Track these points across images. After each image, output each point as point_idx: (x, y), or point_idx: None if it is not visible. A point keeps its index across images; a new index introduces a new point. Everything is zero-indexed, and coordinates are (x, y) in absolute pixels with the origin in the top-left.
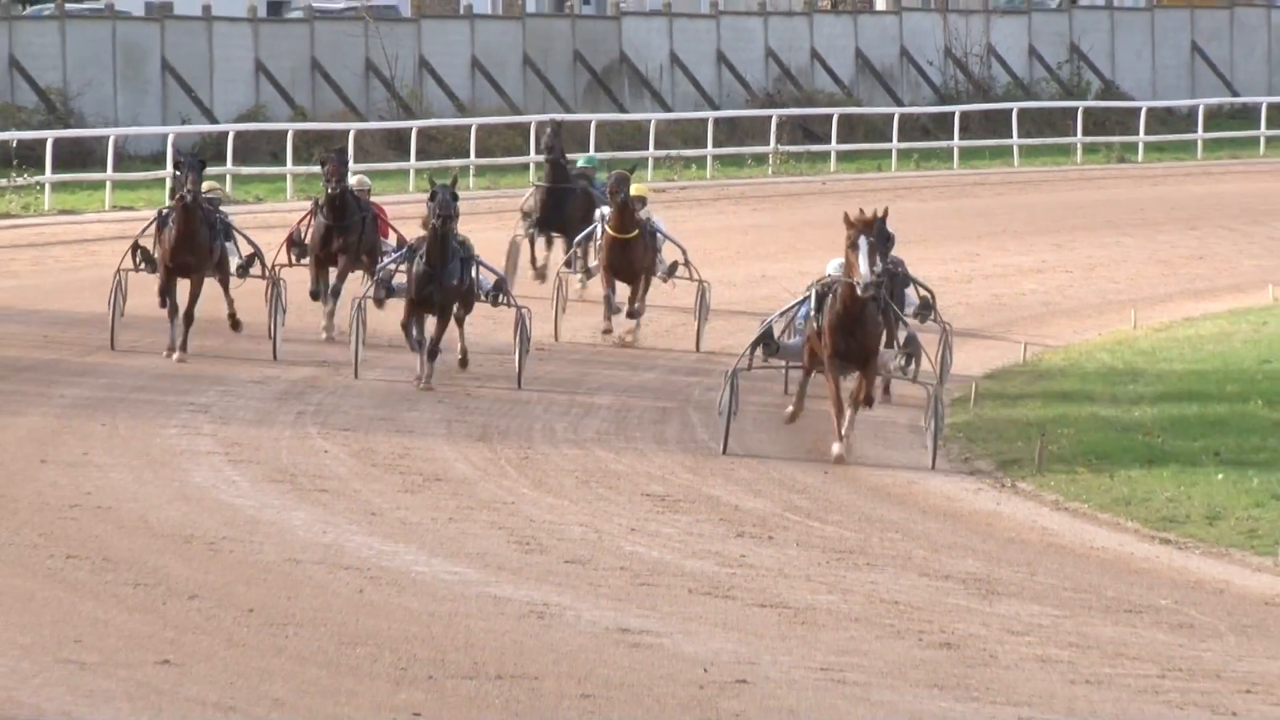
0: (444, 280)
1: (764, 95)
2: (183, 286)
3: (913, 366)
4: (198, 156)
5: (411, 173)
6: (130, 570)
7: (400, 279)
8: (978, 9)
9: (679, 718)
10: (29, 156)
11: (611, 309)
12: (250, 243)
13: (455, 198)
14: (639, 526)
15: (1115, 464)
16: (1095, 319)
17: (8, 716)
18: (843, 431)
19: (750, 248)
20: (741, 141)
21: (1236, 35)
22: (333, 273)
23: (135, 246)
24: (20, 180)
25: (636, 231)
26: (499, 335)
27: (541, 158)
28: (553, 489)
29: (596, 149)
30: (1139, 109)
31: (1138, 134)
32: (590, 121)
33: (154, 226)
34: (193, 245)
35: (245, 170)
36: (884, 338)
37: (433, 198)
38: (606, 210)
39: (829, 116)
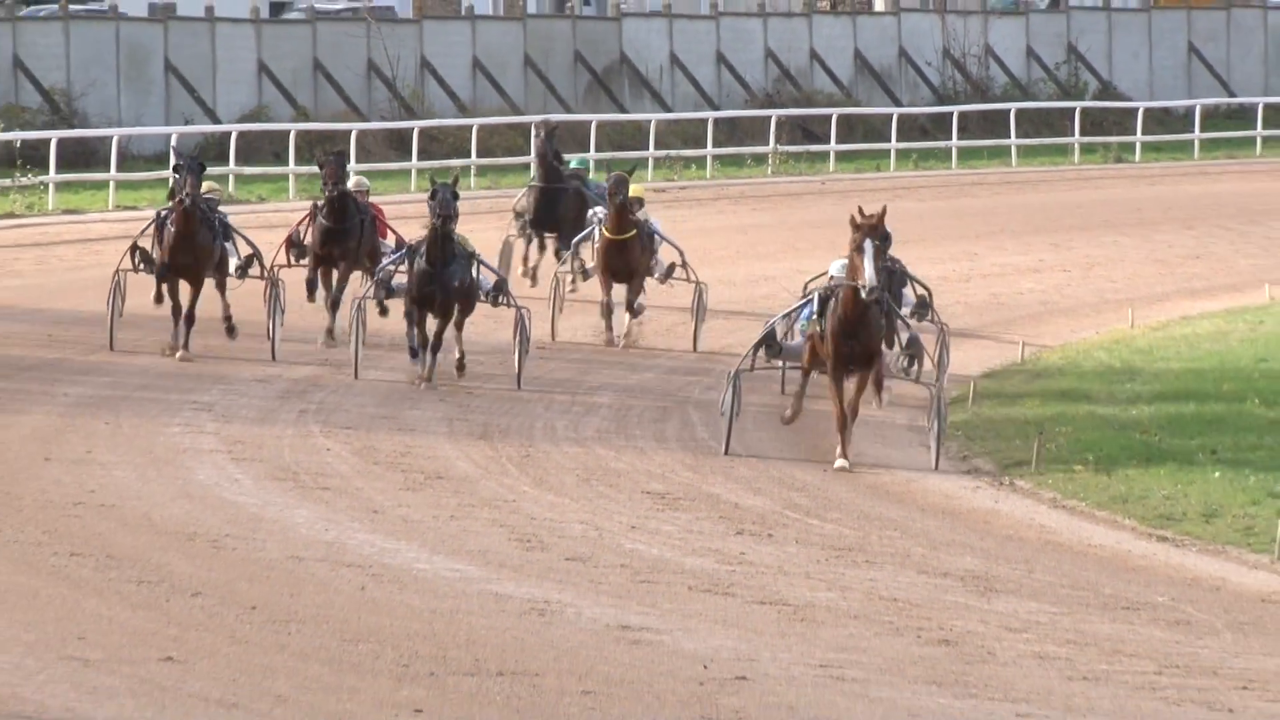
0: (445, 280)
1: (763, 96)
2: (183, 287)
3: (915, 367)
4: (197, 159)
5: (413, 173)
6: (133, 567)
7: (400, 279)
8: (976, 10)
9: (679, 714)
10: (33, 156)
11: (609, 314)
12: (249, 243)
13: (456, 197)
14: (639, 524)
15: (1112, 462)
16: (1093, 318)
17: (12, 713)
18: (847, 450)
19: (749, 247)
20: (741, 142)
21: (1233, 36)
22: (333, 274)
23: (134, 247)
24: (24, 180)
25: (634, 232)
26: (499, 335)
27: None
28: (553, 487)
29: (597, 149)
30: (1136, 109)
31: (1135, 134)
32: (591, 122)
33: (153, 227)
34: (192, 246)
35: (248, 170)
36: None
37: (433, 197)
38: (602, 211)
39: (828, 117)
